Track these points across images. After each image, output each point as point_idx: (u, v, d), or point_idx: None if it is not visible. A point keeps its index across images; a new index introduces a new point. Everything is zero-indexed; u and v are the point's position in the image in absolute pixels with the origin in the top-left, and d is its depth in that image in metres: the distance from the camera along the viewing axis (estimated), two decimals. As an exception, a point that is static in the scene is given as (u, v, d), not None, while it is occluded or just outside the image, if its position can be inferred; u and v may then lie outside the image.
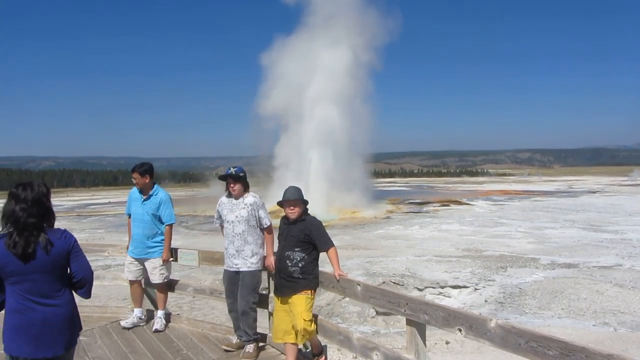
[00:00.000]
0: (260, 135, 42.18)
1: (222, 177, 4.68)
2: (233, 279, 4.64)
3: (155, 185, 5.51)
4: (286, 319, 4.17)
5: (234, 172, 4.60)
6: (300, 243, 4.19)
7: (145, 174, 5.40)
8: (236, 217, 4.61)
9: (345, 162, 37.43)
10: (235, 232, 4.60)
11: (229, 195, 4.69)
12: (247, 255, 4.57)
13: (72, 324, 2.80)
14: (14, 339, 2.62)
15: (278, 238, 4.41)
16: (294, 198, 4.23)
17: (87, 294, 2.87)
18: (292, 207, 4.24)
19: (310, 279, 4.18)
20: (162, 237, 5.36)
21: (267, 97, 39.55)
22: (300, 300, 4.11)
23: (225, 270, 4.73)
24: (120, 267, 13.26)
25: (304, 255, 4.18)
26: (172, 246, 5.46)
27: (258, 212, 4.62)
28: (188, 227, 26.21)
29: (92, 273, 2.90)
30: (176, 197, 59.96)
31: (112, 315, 5.88)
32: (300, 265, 4.15)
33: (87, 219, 32.55)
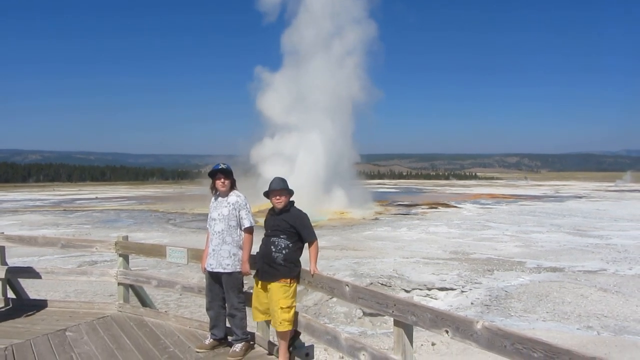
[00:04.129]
0: (252, 135, 42.49)
1: (212, 173, 4.60)
2: (212, 278, 4.60)
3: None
4: (264, 300, 4.28)
5: (225, 167, 4.55)
6: (286, 232, 4.24)
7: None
8: (218, 215, 4.56)
9: (334, 163, 37.59)
10: (215, 230, 4.55)
11: (216, 194, 4.64)
12: (223, 256, 4.50)
13: None
14: None
15: (265, 225, 4.42)
16: (280, 188, 4.28)
17: None
18: (278, 197, 4.28)
19: (291, 268, 4.22)
20: None
21: (261, 97, 39.89)
22: (277, 289, 4.17)
23: (206, 270, 4.67)
24: (107, 263, 13.24)
25: (289, 242, 4.22)
26: (160, 244, 5.44)
27: (239, 211, 4.55)
28: (176, 224, 26.07)
29: None
30: (164, 194, 59.79)
31: (98, 311, 5.84)
32: (284, 252, 4.20)
33: (74, 214, 32.24)
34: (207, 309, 4.71)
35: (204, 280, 4.76)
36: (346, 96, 40.24)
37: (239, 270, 4.55)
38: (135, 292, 5.97)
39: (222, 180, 4.56)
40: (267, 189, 4.34)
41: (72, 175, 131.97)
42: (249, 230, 4.56)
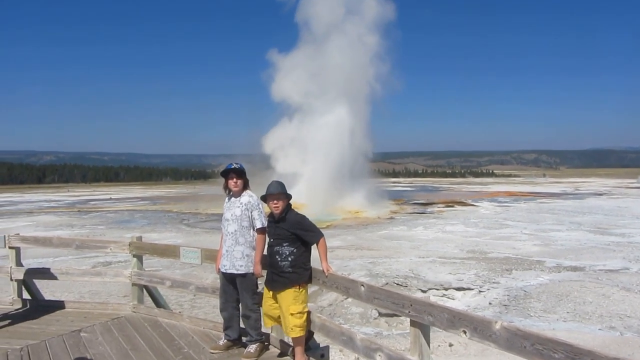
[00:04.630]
0: (266, 125, 42.34)
1: (224, 173, 4.60)
2: (226, 279, 4.62)
3: None
4: (274, 307, 4.28)
5: (237, 167, 4.55)
6: (288, 239, 4.23)
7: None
8: (231, 215, 4.57)
9: (349, 161, 37.42)
10: (228, 231, 4.56)
11: (229, 194, 4.65)
12: (236, 257, 4.51)
13: None
14: None
15: (267, 235, 4.44)
16: (277, 192, 4.25)
17: None
18: (275, 202, 4.26)
19: (300, 273, 4.20)
20: None
21: (277, 82, 39.70)
22: (288, 295, 4.17)
23: (220, 270, 4.70)
24: (122, 264, 13.38)
25: (292, 249, 4.21)
26: (173, 244, 5.47)
27: (252, 212, 4.53)
28: (190, 225, 26.25)
29: None
30: (178, 194, 60.17)
31: (113, 312, 5.90)
32: (290, 259, 4.19)
33: (88, 214, 32.62)
34: (221, 310, 4.73)
35: (218, 280, 4.78)
36: (363, 81, 39.57)
37: (252, 271, 4.55)
38: (149, 292, 6.02)
39: (235, 180, 4.56)
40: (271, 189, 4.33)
41: (87, 175, 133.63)
42: (262, 231, 4.54)
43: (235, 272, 4.52)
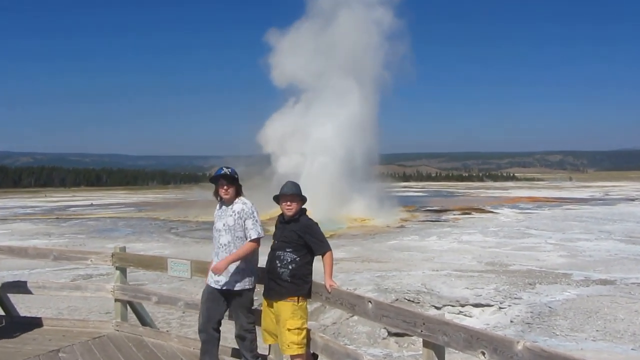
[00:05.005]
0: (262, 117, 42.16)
1: (214, 179, 4.56)
2: (213, 295, 4.53)
3: None
4: (273, 321, 4.28)
5: (228, 173, 4.50)
6: (293, 244, 4.23)
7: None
8: (223, 225, 4.52)
9: (354, 164, 37.30)
10: (221, 242, 4.50)
11: (221, 201, 4.61)
12: (230, 271, 4.45)
13: None
14: None
15: (273, 237, 4.43)
16: (291, 193, 4.28)
17: None
18: (288, 203, 4.28)
19: (299, 284, 4.21)
20: None
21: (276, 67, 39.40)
22: (285, 308, 4.17)
23: (207, 285, 4.60)
24: (103, 277, 13.38)
25: (295, 257, 4.21)
26: (161, 255, 5.46)
27: (245, 221, 4.48)
28: (179, 234, 26.28)
29: None
30: (166, 200, 60.27)
31: (94, 330, 5.89)
32: (290, 267, 4.19)
33: (67, 222, 32.67)
34: (200, 331, 4.60)
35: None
36: (373, 65, 39.30)
37: (248, 287, 4.53)
38: (134, 309, 6.01)
39: (226, 187, 4.51)
40: (277, 190, 4.35)
41: (66, 179, 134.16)
42: (256, 241, 4.51)
43: (232, 288, 4.48)
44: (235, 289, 4.49)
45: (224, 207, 4.60)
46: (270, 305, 4.30)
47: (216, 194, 4.60)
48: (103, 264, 6.09)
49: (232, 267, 4.47)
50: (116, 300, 5.91)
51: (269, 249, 4.35)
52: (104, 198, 67.55)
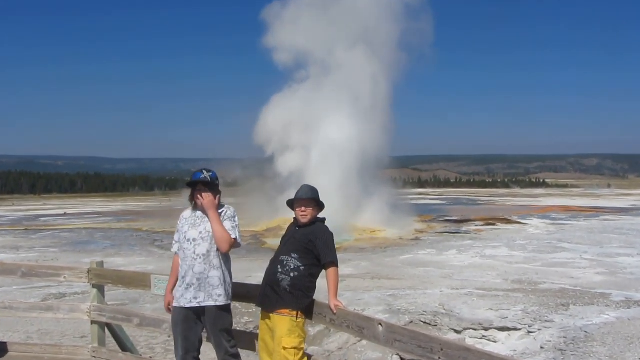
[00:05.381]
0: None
1: (191, 184, 4.51)
2: (187, 317, 4.43)
3: None
4: (270, 338, 4.28)
5: (209, 178, 4.46)
6: (301, 250, 4.24)
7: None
8: (200, 233, 4.45)
9: (362, 169, 37.21)
10: (198, 252, 4.41)
11: (195, 208, 4.56)
12: (213, 285, 4.38)
13: None
14: None
15: (280, 241, 4.46)
16: (307, 197, 4.32)
17: None
18: (303, 209, 4.32)
19: (298, 297, 4.20)
20: None
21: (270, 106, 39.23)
22: (281, 322, 4.16)
23: (175, 307, 4.51)
24: (78, 296, 13.38)
25: (300, 264, 4.22)
26: (143, 272, 5.46)
27: (224, 222, 4.44)
28: (163, 247, 26.26)
29: None
30: (149, 209, 60.47)
31: (67, 357, 5.90)
32: (291, 275, 4.19)
33: (38, 234, 32.73)
34: None
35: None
36: (387, 41, 39.15)
37: (226, 302, 4.46)
38: (113, 332, 6.01)
39: (204, 193, 4.45)
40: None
41: (36, 185, 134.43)
42: (236, 245, 4.49)
43: (214, 303, 4.39)
44: (217, 304, 4.41)
45: (198, 213, 4.54)
46: (266, 317, 4.32)
47: (192, 199, 4.55)
48: (78, 281, 6.10)
49: (213, 279, 4.41)
50: (93, 322, 5.92)
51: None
52: (79, 206, 67.68)
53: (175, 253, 4.63)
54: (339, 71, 37.73)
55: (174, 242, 4.70)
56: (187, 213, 4.62)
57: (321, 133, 36.80)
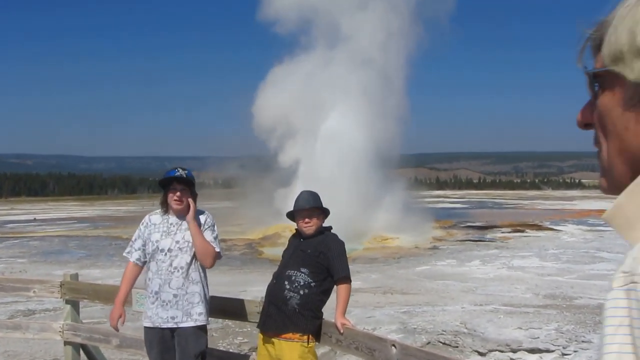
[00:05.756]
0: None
1: (164, 182, 4.49)
2: (166, 340, 4.43)
3: None
4: None
5: (184, 175, 4.43)
6: (312, 263, 4.19)
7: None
8: (177, 242, 4.42)
9: (371, 169, 37.17)
10: (175, 265, 4.39)
11: (166, 213, 4.55)
12: (193, 302, 4.37)
13: None
14: None
15: (283, 255, 4.43)
16: (310, 206, 4.26)
17: None
18: (307, 220, 4.26)
19: (308, 319, 4.15)
20: None
21: (267, 96, 39.35)
22: (291, 349, 4.10)
23: (148, 329, 4.51)
24: (50, 313, 13.39)
25: (310, 280, 4.17)
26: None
27: (204, 232, 4.44)
28: (146, 257, 26.29)
29: None
30: (129, 214, 60.74)
31: (36, 383, 5.91)
32: (301, 292, 4.14)
33: (4, 242, 32.78)
34: None
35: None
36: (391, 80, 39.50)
37: (204, 322, 4.46)
38: (89, 354, 6.02)
39: (179, 194, 4.42)
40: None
41: (2, 187, 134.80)
42: (218, 256, 4.50)
43: (193, 324, 4.37)
44: (197, 323, 4.39)
45: (172, 219, 4.53)
46: (268, 342, 4.23)
47: (164, 202, 4.54)
48: (49, 296, 6.10)
49: (193, 296, 4.39)
50: (66, 343, 5.92)
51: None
52: (50, 211, 67.80)
53: (135, 262, 4.63)
54: (348, 42, 38.17)
55: (131, 248, 4.68)
56: (157, 218, 4.60)
57: (326, 122, 36.86)
